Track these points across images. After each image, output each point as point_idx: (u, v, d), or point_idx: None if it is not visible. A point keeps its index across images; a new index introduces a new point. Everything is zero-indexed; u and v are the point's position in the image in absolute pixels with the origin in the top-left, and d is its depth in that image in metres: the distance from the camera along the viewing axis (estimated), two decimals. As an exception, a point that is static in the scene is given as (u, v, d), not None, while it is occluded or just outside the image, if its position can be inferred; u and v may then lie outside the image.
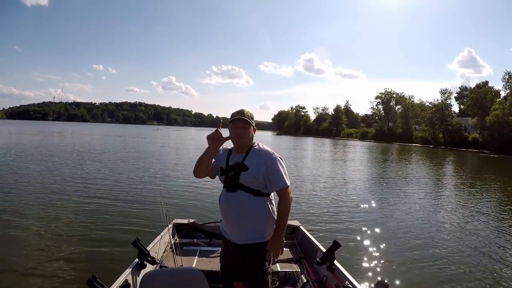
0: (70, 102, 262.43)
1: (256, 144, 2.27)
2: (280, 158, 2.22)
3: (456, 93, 74.93)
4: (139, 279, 2.75)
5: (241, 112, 2.20)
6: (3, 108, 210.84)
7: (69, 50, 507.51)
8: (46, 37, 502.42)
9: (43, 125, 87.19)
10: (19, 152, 18.10)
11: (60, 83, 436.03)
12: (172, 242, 3.53)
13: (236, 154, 2.26)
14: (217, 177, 2.39)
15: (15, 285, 3.90)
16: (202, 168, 2.29)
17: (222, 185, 2.31)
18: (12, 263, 4.40)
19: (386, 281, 2.55)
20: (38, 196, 8.07)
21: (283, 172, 2.16)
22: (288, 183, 2.17)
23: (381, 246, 5.75)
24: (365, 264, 4.92)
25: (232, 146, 2.31)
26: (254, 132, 2.26)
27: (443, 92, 64.54)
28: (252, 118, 2.24)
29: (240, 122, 2.18)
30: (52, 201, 7.62)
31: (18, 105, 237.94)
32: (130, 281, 2.67)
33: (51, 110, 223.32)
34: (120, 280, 2.57)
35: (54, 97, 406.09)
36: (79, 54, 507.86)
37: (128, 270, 2.76)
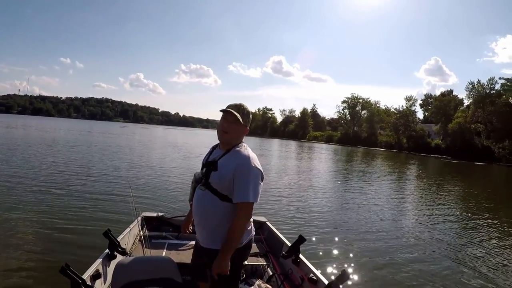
0: (35, 95, 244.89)
1: (241, 145, 2.02)
2: (258, 169, 1.92)
3: (421, 100, 78.88)
4: (109, 269, 2.80)
5: (237, 106, 2.00)
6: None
7: (38, 41, 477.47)
8: (14, 26, 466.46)
9: (8, 118, 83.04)
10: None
11: (26, 75, 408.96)
12: (141, 235, 3.60)
13: (218, 150, 2.08)
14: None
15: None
16: None
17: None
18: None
19: (348, 272, 2.55)
20: (8, 189, 7.79)
21: (251, 185, 1.87)
22: (252, 199, 1.86)
23: (344, 241, 5.93)
24: (329, 258, 5.08)
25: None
26: (245, 133, 2.04)
27: (408, 99, 68.53)
28: (248, 117, 2.04)
29: (231, 116, 1.96)
30: (22, 193, 7.47)
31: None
32: (101, 270, 2.71)
33: (16, 103, 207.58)
34: (91, 270, 2.61)
35: (19, 90, 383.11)
36: (48, 46, 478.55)
37: (99, 260, 2.79)
